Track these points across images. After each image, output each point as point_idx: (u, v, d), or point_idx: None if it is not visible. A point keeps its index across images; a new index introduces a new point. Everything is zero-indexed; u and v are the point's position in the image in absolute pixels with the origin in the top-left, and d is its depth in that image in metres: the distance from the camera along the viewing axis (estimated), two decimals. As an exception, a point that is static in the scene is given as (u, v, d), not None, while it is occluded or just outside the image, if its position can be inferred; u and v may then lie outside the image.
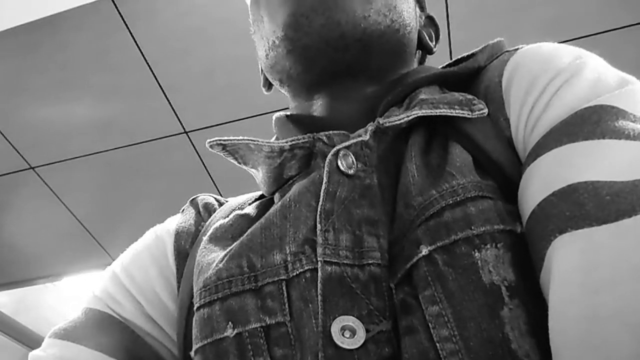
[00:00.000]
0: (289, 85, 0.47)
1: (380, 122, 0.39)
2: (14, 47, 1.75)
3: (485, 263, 0.30)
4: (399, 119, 0.39)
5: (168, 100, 1.89)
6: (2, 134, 2.02)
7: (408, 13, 0.47)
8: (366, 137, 0.39)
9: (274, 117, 0.50)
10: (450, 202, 0.33)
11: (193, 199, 0.54)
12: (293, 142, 0.40)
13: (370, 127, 0.40)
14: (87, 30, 1.71)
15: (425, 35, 0.52)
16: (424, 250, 0.32)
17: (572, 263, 0.27)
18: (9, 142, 2.05)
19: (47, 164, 2.13)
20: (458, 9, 1.61)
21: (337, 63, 0.43)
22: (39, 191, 2.22)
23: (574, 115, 0.33)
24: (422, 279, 0.31)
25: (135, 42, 1.74)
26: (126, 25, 1.70)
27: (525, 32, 1.66)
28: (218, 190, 2.18)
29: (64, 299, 3.26)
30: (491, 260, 0.30)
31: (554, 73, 0.36)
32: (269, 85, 0.55)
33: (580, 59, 0.37)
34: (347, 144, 0.38)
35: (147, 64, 1.79)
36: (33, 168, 2.14)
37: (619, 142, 0.30)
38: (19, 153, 2.08)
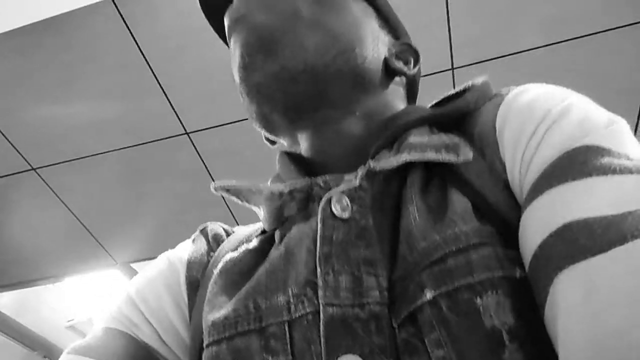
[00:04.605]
0: (267, 129, 0.49)
1: (372, 165, 0.41)
2: (15, 48, 1.75)
3: (486, 309, 0.32)
4: (389, 164, 0.40)
5: (169, 101, 1.90)
6: (4, 135, 2.03)
7: (361, 42, 0.48)
8: (357, 183, 0.40)
9: (277, 154, 0.52)
10: (454, 249, 0.34)
11: (203, 228, 0.56)
12: (292, 187, 0.43)
13: (361, 171, 0.41)
14: (88, 31, 1.71)
15: (399, 61, 0.53)
16: (428, 295, 0.33)
17: (574, 294, 0.29)
18: (11, 143, 2.05)
19: (49, 165, 2.13)
20: (458, 9, 1.61)
21: (293, 95, 0.45)
22: (40, 192, 2.22)
23: (562, 157, 0.34)
24: (427, 323, 0.33)
25: (136, 42, 1.74)
26: (127, 26, 1.70)
27: (525, 31, 1.66)
28: (219, 191, 2.19)
29: (65, 299, 3.26)
30: (492, 306, 0.32)
31: (542, 116, 0.38)
32: (270, 141, 0.56)
33: (567, 101, 0.38)
34: (340, 189, 0.40)
35: (148, 64, 1.79)
36: (34, 169, 2.15)
37: (605, 178, 0.32)
38: (20, 154, 2.09)
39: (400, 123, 0.45)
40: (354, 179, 0.41)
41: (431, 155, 0.40)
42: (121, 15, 1.67)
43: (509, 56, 1.71)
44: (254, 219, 0.50)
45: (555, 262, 0.30)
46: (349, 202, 0.39)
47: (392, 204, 0.41)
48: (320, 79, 0.45)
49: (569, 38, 1.65)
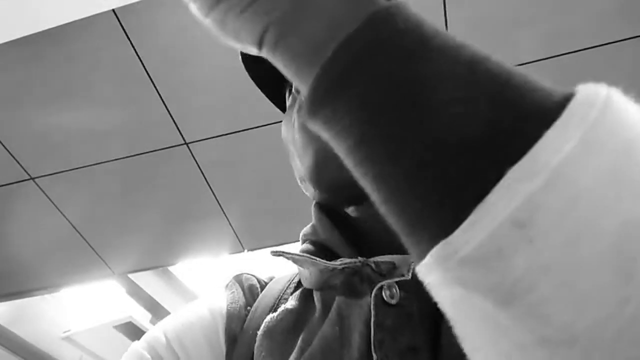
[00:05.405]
0: (326, 202, 0.54)
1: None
2: (16, 59, 1.76)
3: None
4: None
5: (168, 111, 1.90)
6: (2, 145, 2.03)
7: None
8: (408, 277, 0.44)
9: (312, 207, 0.55)
10: None
11: (237, 276, 0.58)
12: (345, 265, 0.47)
13: (412, 265, 0.45)
14: (89, 42, 1.72)
15: None
16: None
17: None
18: (9, 152, 2.05)
19: (47, 175, 2.13)
20: (457, 24, 1.63)
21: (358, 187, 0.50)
22: (38, 202, 2.22)
23: None
24: None
25: (137, 53, 1.75)
26: (128, 37, 1.71)
27: (522, 45, 1.67)
28: (217, 201, 2.18)
29: (62, 310, 3.24)
30: None
31: None
32: None
33: None
34: (393, 281, 0.44)
35: (148, 75, 1.80)
36: (33, 179, 2.15)
37: None
38: (19, 163, 2.09)
39: None
40: (406, 273, 0.44)
41: None
42: (122, 27, 1.68)
43: (507, 69, 1.72)
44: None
45: None
46: (397, 288, 0.43)
47: None
48: None
49: (566, 52, 1.66)
